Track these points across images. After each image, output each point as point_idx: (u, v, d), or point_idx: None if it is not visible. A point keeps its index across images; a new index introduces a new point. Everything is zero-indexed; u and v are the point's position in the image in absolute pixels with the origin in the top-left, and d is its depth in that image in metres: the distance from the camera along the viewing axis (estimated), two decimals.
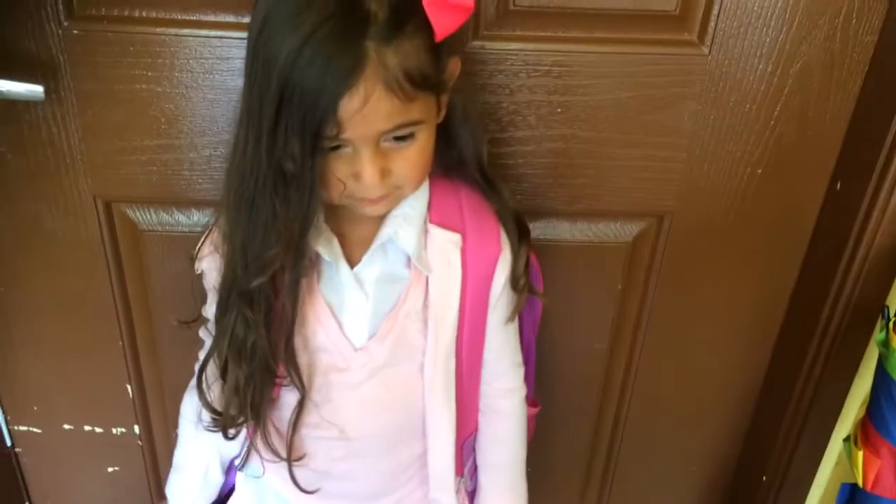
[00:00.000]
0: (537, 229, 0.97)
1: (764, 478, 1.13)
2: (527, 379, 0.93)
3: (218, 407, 0.84)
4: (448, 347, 0.81)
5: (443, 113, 0.76)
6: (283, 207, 0.70)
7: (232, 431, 0.85)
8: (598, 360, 1.11)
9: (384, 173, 0.70)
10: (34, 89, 0.82)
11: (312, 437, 0.85)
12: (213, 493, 0.97)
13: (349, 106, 0.64)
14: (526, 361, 0.93)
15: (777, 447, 1.10)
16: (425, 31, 0.67)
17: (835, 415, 1.04)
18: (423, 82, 0.67)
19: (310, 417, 0.83)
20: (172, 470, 0.98)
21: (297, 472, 0.85)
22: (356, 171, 0.70)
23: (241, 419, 0.83)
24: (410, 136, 0.70)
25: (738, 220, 0.98)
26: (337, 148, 0.69)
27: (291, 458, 0.84)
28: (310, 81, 0.63)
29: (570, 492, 1.26)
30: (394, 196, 0.75)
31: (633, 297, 1.05)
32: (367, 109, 0.65)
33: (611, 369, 1.12)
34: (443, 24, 0.67)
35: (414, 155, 0.72)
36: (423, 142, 0.72)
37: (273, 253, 0.72)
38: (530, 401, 0.94)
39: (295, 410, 0.82)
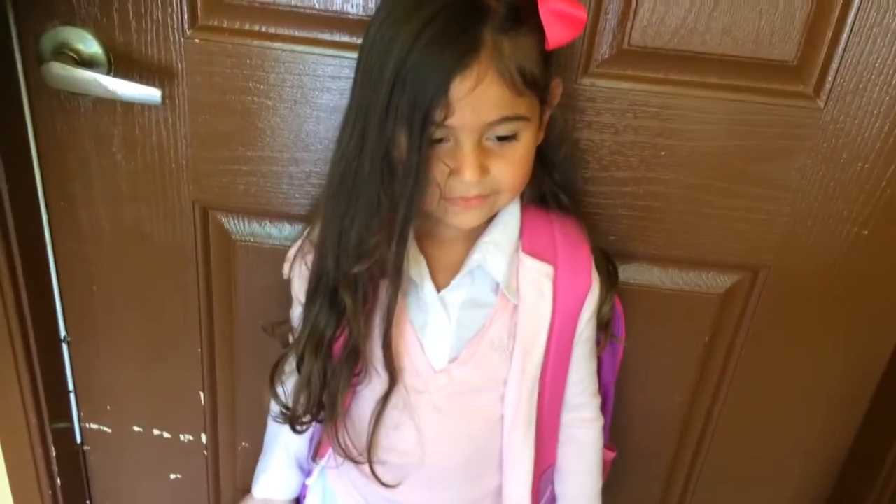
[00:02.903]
0: (627, 272, 0.95)
1: None
2: (603, 425, 0.91)
3: (290, 401, 0.85)
4: (533, 380, 0.80)
5: (542, 134, 0.77)
6: (388, 195, 0.71)
7: (299, 426, 0.85)
8: (677, 412, 1.08)
9: (483, 170, 0.70)
10: (153, 93, 0.84)
11: (388, 461, 0.84)
12: (293, 486, 0.98)
13: (461, 87, 0.65)
14: (603, 407, 0.91)
15: None
16: (539, 35, 0.69)
17: None
18: (532, 82, 0.69)
19: (387, 439, 0.83)
20: (261, 454, 1.00)
21: (374, 495, 0.84)
22: (457, 166, 0.70)
23: (309, 415, 0.84)
24: (513, 137, 0.71)
25: (837, 280, 0.95)
26: (440, 141, 0.69)
27: (371, 458, 0.83)
28: (425, 63, 0.65)
29: None
30: (488, 203, 0.74)
31: (719, 351, 1.02)
32: (478, 93, 0.66)
33: (688, 423, 1.09)
34: (556, 32, 0.69)
35: (515, 158, 0.72)
36: (525, 146, 0.72)
37: (375, 241, 0.73)
38: (607, 445, 0.92)
39: (379, 404, 0.81)
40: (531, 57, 0.69)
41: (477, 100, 0.66)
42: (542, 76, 0.71)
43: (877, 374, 1.02)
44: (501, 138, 0.71)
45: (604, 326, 0.86)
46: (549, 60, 0.72)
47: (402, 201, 0.70)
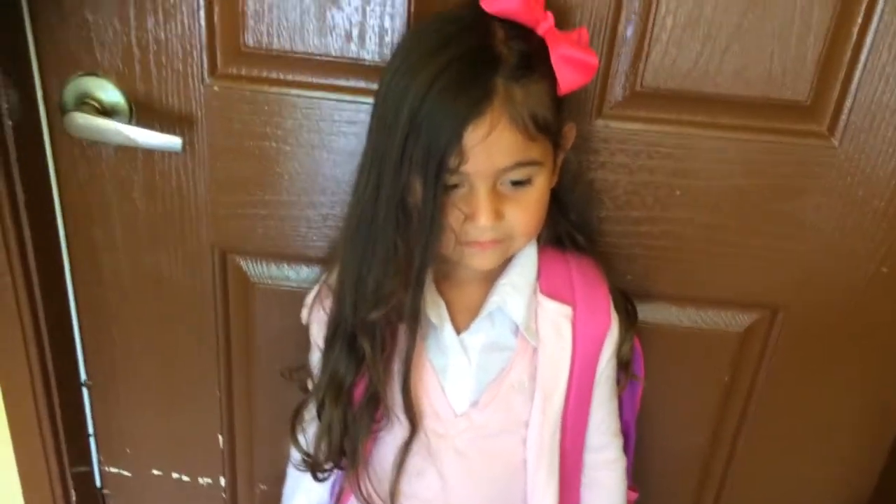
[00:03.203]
0: (644, 312, 0.95)
1: None
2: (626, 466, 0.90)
3: (311, 448, 0.85)
4: (555, 421, 0.80)
5: (556, 177, 0.77)
6: (404, 241, 0.72)
7: (320, 474, 0.85)
8: (697, 452, 1.06)
9: (498, 215, 0.71)
10: (173, 141, 0.86)
11: None
12: None
13: (474, 134, 0.66)
14: (625, 447, 0.90)
15: None
16: (550, 81, 0.70)
17: None
18: (545, 127, 0.70)
19: (408, 485, 0.82)
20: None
21: None
22: (471, 211, 0.70)
23: (331, 462, 0.84)
24: (527, 181, 0.71)
25: (856, 318, 0.94)
26: (454, 187, 0.70)
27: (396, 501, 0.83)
28: (439, 111, 0.66)
29: None
30: (504, 246, 0.75)
31: (738, 391, 1.01)
32: (491, 140, 0.66)
33: (709, 463, 1.07)
34: (568, 78, 0.71)
35: (529, 202, 0.72)
36: (539, 190, 0.73)
37: (391, 286, 0.74)
38: (630, 486, 0.91)
39: (401, 450, 0.81)
40: (543, 103, 0.70)
41: (490, 146, 0.67)
42: (555, 121, 0.72)
43: None
44: (515, 183, 0.71)
45: (624, 366, 0.86)
46: (562, 105, 0.73)
47: (418, 247, 0.71)
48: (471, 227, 0.71)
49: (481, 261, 0.75)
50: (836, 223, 0.88)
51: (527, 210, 0.73)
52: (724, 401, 1.02)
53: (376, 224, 0.73)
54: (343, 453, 0.83)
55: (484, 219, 0.70)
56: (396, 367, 0.79)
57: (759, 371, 0.99)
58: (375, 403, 0.81)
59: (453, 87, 0.66)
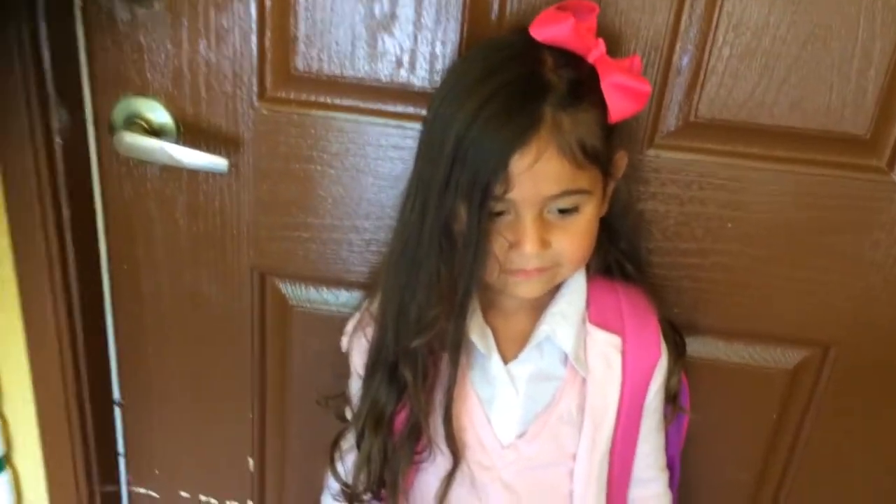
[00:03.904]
0: (691, 346, 0.92)
1: None
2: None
3: (349, 478, 0.83)
4: (603, 453, 0.78)
5: (605, 205, 0.76)
6: (448, 268, 0.71)
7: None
8: (743, 491, 1.03)
9: (543, 244, 0.70)
10: (219, 163, 0.85)
11: None
12: None
13: (520, 162, 0.65)
14: (670, 482, 0.88)
15: None
16: (600, 109, 0.69)
17: None
18: (594, 155, 0.68)
19: None
20: None
21: None
22: (517, 239, 0.69)
23: (369, 494, 0.82)
24: (575, 210, 0.70)
25: None
26: (500, 214, 0.69)
27: None
28: (486, 138, 0.65)
29: None
30: (550, 275, 0.73)
31: (787, 429, 0.98)
32: (538, 168, 0.65)
33: (755, 502, 1.04)
34: (618, 106, 0.70)
35: (576, 231, 0.71)
36: (587, 218, 0.71)
37: (434, 314, 0.73)
38: None
39: (444, 482, 0.79)
40: (592, 131, 0.68)
41: (536, 174, 0.66)
42: (605, 149, 0.71)
43: None
44: (563, 211, 0.70)
45: (671, 398, 0.84)
46: (612, 133, 0.72)
47: (462, 275, 0.70)
48: (516, 254, 0.70)
49: (527, 289, 0.74)
50: (893, 259, 0.86)
51: (574, 238, 0.71)
52: (772, 438, 0.99)
53: (420, 250, 0.72)
54: (383, 484, 0.82)
55: (529, 247, 0.69)
56: (439, 398, 0.78)
57: (808, 409, 0.97)
58: (417, 434, 0.79)
59: (500, 115, 0.65)
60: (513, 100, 0.66)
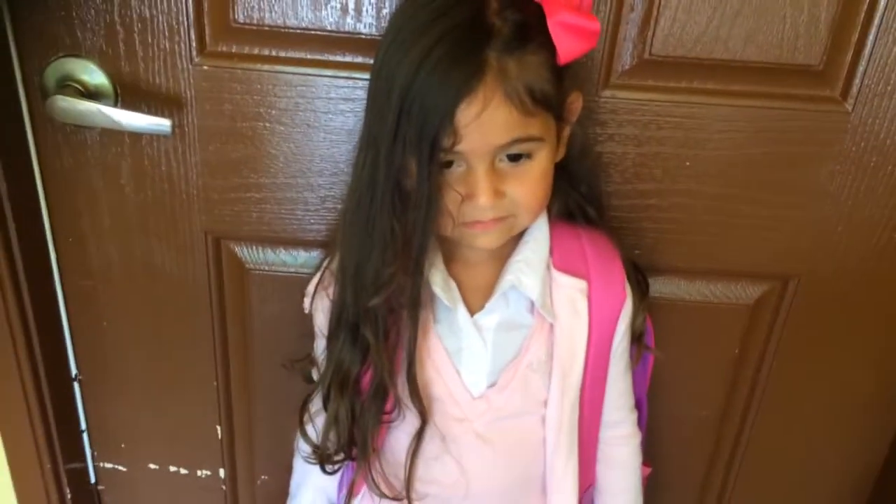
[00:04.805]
0: (653, 286, 0.92)
1: None
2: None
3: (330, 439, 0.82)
4: (574, 399, 0.78)
5: (562, 149, 0.74)
6: (401, 225, 0.69)
7: (329, 466, 0.83)
8: (709, 426, 1.05)
9: (497, 194, 0.68)
10: (162, 124, 0.82)
11: (430, 494, 0.82)
12: None
13: (467, 112, 0.63)
14: (638, 422, 0.89)
15: None
16: (549, 51, 0.67)
17: None
18: (543, 100, 0.66)
19: (427, 471, 0.80)
20: (288, 498, 0.96)
21: None
22: (470, 191, 0.68)
23: (341, 455, 0.81)
24: (527, 157, 0.68)
25: (868, 287, 0.93)
26: (451, 165, 0.68)
27: (410, 493, 0.81)
28: (430, 89, 0.63)
29: None
30: (507, 225, 0.72)
31: (749, 364, 1.00)
32: (485, 117, 0.64)
33: (720, 437, 1.06)
34: (567, 46, 0.67)
35: (530, 178, 0.69)
36: (541, 166, 0.70)
37: (390, 272, 0.71)
38: (643, 461, 0.90)
39: (413, 442, 0.79)
40: (541, 75, 0.66)
41: (484, 124, 0.64)
42: (556, 93, 0.68)
43: None
44: (515, 159, 0.68)
45: (637, 338, 0.84)
46: (563, 76, 0.70)
47: (415, 231, 0.69)
48: (470, 207, 0.69)
49: (485, 241, 0.73)
50: (849, 190, 0.87)
51: (528, 186, 0.70)
52: (735, 374, 1.01)
53: (373, 207, 0.70)
54: (353, 444, 0.81)
55: (483, 198, 0.68)
56: (404, 356, 0.77)
57: (769, 343, 0.98)
58: (384, 394, 0.78)
59: (444, 64, 0.63)
60: (456, 47, 0.63)
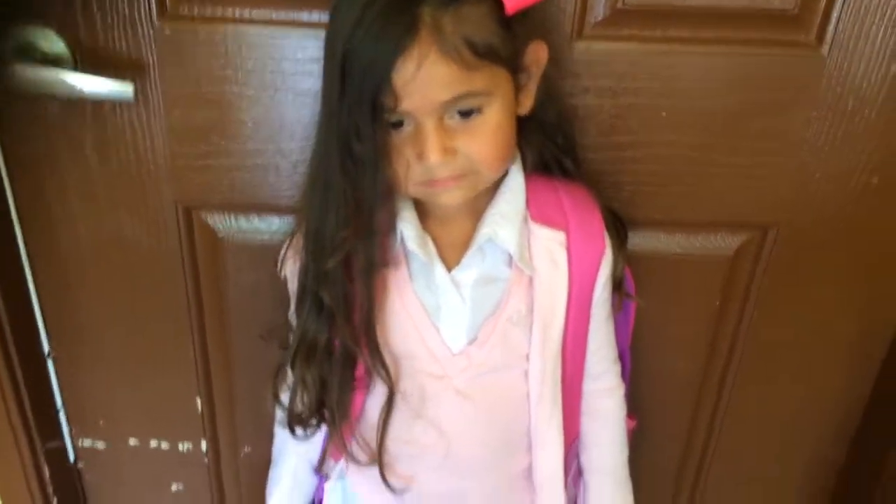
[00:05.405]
0: (633, 240, 0.91)
1: None
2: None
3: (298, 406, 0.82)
4: (556, 352, 0.78)
5: (528, 101, 0.73)
6: (351, 187, 0.68)
7: (300, 431, 0.83)
8: (692, 378, 1.05)
9: (448, 151, 0.67)
10: (124, 88, 0.79)
11: (411, 454, 0.81)
12: (307, 493, 0.95)
13: (403, 71, 0.62)
14: (621, 373, 0.89)
15: (881, 483, 1.03)
16: (494, 2, 0.65)
17: None
18: (488, 52, 0.65)
19: (407, 432, 0.80)
20: (270, 466, 0.96)
21: (400, 501, 0.82)
22: (419, 150, 0.67)
23: (313, 420, 0.81)
24: (478, 111, 0.67)
25: (849, 234, 0.93)
26: (400, 126, 0.66)
27: (382, 462, 0.81)
28: (366, 49, 0.62)
29: None
30: (469, 181, 0.71)
31: (730, 315, 1.00)
32: (423, 75, 0.62)
33: (704, 389, 1.06)
34: None
35: (482, 133, 0.68)
36: (493, 120, 0.68)
37: (344, 234, 0.70)
38: (627, 414, 0.90)
39: (384, 409, 0.78)
40: (485, 26, 0.64)
41: (423, 82, 0.63)
42: (505, 44, 0.66)
43: (891, 328, 1.01)
44: (465, 114, 0.67)
45: (617, 286, 0.83)
46: (513, 25, 0.67)
47: (366, 193, 0.68)
48: (422, 166, 0.68)
49: (448, 198, 0.72)
50: (826, 135, 0.86)
51: (481, 141, 0.68)
52: (716, 327, 1.01)
53: (329, 170, 0.69)
54: (323, 408, 0.80)
55: (433, 157, 0.66)
56: (366, 322, 0.76)
57: (749, 294, 0.98)
58: (352, 360, 0.78)
59: (378, 23, 0.62)
60: (390, 5, 0.62)
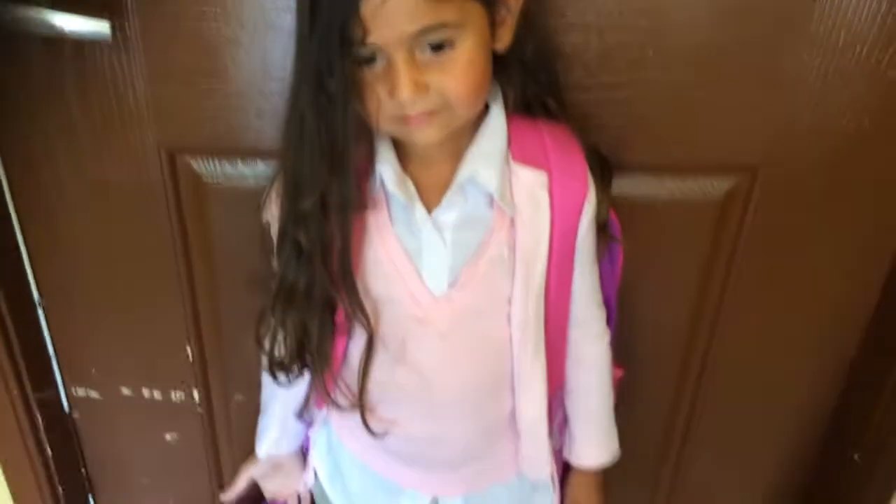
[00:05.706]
0: (620, 185, 0.90)
1: (856, 456, 1.06)
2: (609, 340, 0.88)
3: (279, 352, 0.81)
4: (538, 294, 0.76)
5: (506, 36, 0.71)
6: (325, 124, 0.67)
7: (282, 377, 0.82)
8: (681, 325, 1.04)
9: (419, 86, 0.65)
10: (100, 26, 0.78)
11: (393, 399, 0.81)
12: (296, 440, 0.96)
13: (370, 2, 0.61)
14: (607, 322, 0.88)
15: (872, 426, 1.03)
16: None
17: None
18: None
19: (389, 376, 0.79)
20: (260, 414, 0.96)
21: (382, 445, 0.82)
22: (391, 86, 0.65)
23: (294, 366, 0.80)
24: (449, 44, 0.65)
25: (840, 176, 0.91)
26: (373, 62, 0.65)
27: (364, 406, 0.81)
28: None
29: (647, 459, 1.20)
30: (443, 119, 0.69)
31: (719, 261, 0.98)
32: (390, 6, 0.61)
33: (693, 336, 1.05)
34: None
35: (455, 67, 0.66)
36: (466, 54, 0.66)
37: (319, 173, 0.70)
38: (615, 363, 0.89)
39: (364, 353, 0.78)
40: None
41: (390, 13, 0.61)
42: None
43: (880, 280, 0.99)
44: (437, 49, 0.65)
45: (601, 227, 0.81)
46: None
47: (338, 132, 0.67)
48: (394, 102, 0.66)
49: (423, 136, 0.70)
50: (816, 74, 0.84)
51: (453, 76, 0.66)
52: (705, 273, 0.99)
53: (303, 107, 0.68)
54: (305, 356, 0.80)
55: (405, 92, 0.65)
56: (343, 266, 0.75)
57: (739, 237, 0.96)
58: (331, 305, 0.77)
59: None
60: None
